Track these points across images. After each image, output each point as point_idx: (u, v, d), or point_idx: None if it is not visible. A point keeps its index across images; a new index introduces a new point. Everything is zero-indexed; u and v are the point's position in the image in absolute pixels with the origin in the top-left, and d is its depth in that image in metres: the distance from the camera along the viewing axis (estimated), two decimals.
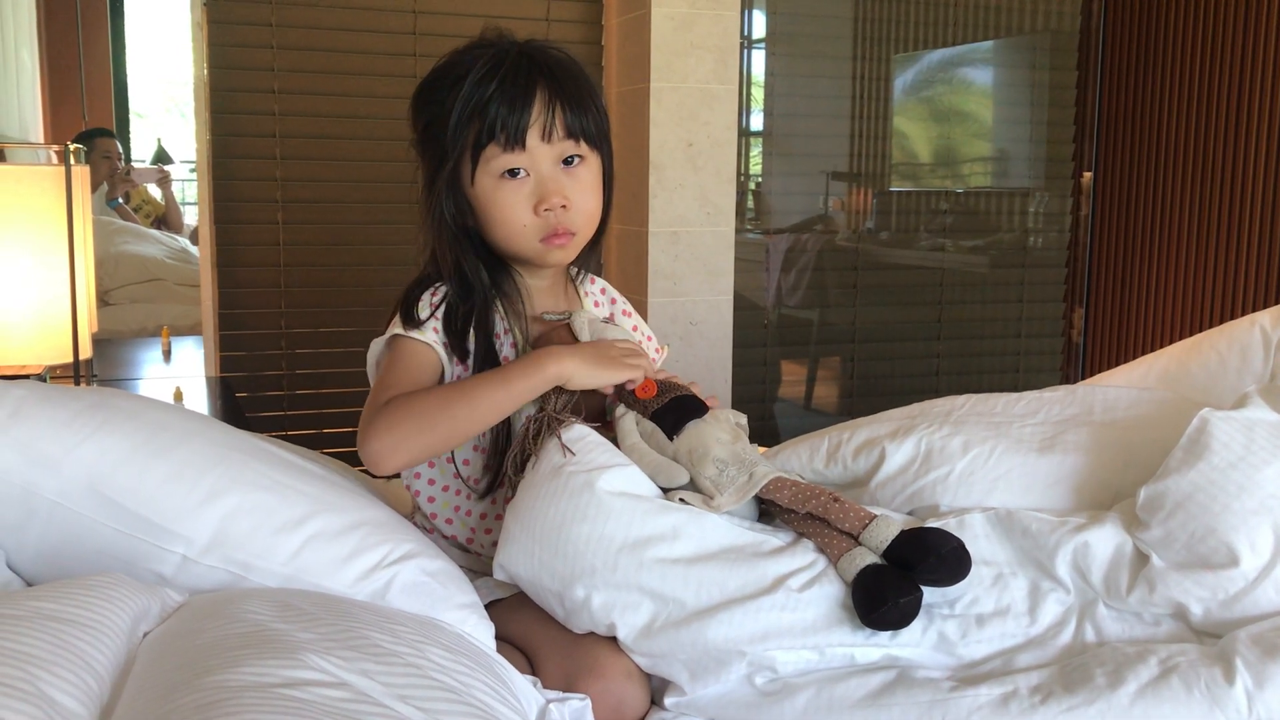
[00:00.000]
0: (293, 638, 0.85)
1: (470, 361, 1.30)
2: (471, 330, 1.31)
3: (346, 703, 0.77)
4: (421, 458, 1.23)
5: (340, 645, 0.85)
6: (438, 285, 1.32)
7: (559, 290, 1.43)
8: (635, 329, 1.50)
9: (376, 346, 1.32)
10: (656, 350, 1.51)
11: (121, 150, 3.99)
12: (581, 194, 1.30)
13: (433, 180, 1.30)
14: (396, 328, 1.29)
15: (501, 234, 1.30)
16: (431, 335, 1.28)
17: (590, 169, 1.32)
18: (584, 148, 1.30)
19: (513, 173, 1.28)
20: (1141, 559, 1.19)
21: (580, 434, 1.19)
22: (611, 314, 1.50)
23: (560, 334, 1.33)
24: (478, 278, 1.32)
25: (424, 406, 1.19)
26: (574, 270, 1.46)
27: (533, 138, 1.26)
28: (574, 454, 1.17)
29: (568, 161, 1.30)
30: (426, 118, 1.30)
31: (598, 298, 1.49)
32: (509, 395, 1.21)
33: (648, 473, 1.19)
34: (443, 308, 1.30)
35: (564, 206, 1.28)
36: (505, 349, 1.34)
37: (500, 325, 1.34)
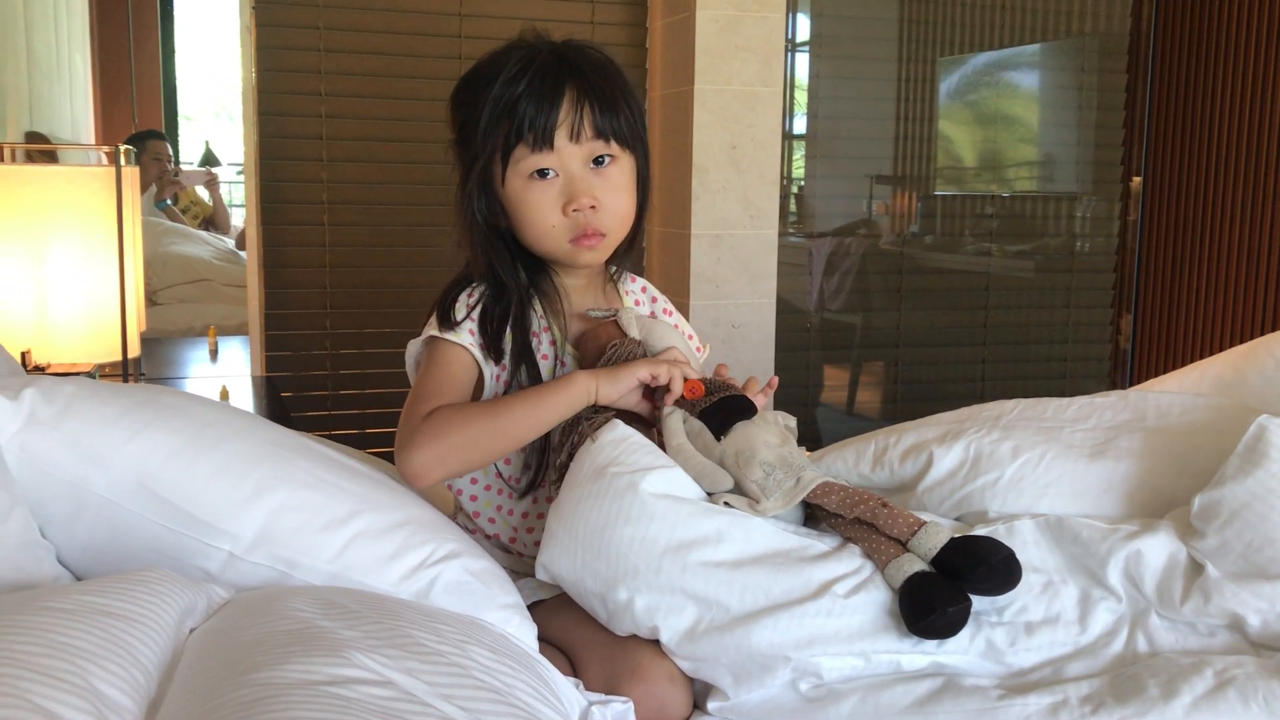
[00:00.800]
0: (338, 635, 0.85)
1: (506, 361, 1.30)
2: (508, 330, 1.31)
3: (391, 701, 0.76)
4: (461, 473, 1.25)
5: (385, 644, 0.85)
6: (474, 286, 1.32)
7: (597, 289, 1.43)
8: (676, 327, 1.49)
9: (414, 347, 1.32)
10: (697, 349, 1.50)
11: (170, 152, 4.04)
12: (611, 194, 1.30)
13: (466, 180, 1.30)
14: (432, 328, 1.29)
15: (531, 235, 1.30)
16: (467, 337, 1.28)
17: (622, 169, 1.31)
18: (614, 148, 1.29)
19: (542, 173, 1.27)
20: (1196, 568, 1.17)
21: (624, 434, 1.19)
22: (652, 312, 1.50)
23: (606, 330, 1.33)
24: (513, 277, 1.32)
25: (465, 422, 1.19)
26: (612, 269, 1.45)
27: (561, 138, 1.26)
28: (597, 438, 1.17)
29: (599, 161, 1.29)
30: (461, 118, 1.30)
31: (638, 296, 1.49)
32: (547, 409, 1.22)
33: (691, 476, 1.18)
34: (478, 308, 1.31)
35: (593, 207, 1.28)
36: (544, 346, 1.34)
37: (538, 324, 1.34)
